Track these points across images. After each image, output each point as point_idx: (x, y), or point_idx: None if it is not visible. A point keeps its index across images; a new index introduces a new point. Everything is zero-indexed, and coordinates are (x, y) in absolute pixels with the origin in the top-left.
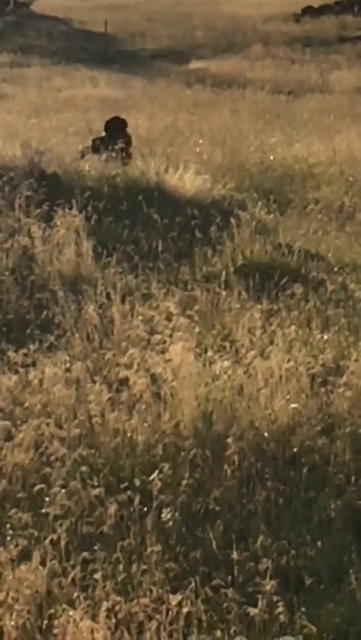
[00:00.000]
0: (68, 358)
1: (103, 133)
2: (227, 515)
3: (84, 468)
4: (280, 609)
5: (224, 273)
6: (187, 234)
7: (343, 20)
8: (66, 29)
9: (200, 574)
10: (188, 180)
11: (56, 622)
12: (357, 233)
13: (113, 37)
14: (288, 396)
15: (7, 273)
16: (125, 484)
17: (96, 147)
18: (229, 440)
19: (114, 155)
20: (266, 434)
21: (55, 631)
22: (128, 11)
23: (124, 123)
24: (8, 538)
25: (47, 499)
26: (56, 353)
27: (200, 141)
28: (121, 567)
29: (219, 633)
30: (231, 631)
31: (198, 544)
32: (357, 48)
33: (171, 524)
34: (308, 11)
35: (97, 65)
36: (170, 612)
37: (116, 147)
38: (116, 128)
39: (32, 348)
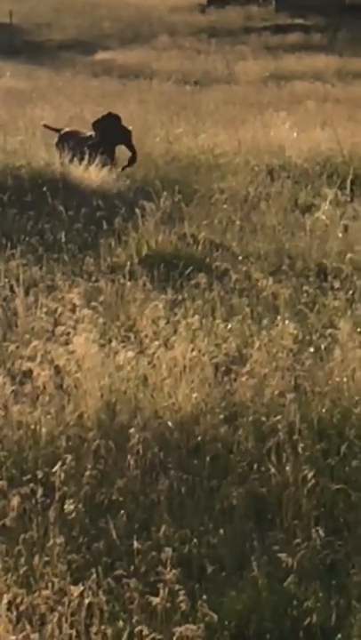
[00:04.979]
0: None
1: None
2: (130, 505)
3: None
4: (181, 597)
5: (129, 264)
6: (92, 225)
7: (248, 10)
8: None
9: (102, 565)
10: (93, 171)
11: None
12: (262, 222)
13: (18, 28)
14: (192, 386)
15: None
16: (28, 476)
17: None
18: (133, 430)
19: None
20: (170, 423)
21: None
22: (34, 1)
23: (117, 119)
24: None
25: None
26: None
27: None
28: (23, 560)
29: (121, 623)
30: (133, 621)
31: (101, 535)
32: (263, 39)
33: (74, 515)
34: (213, 1)
35: (2, 56)
36: (72, 604)
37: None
38: (110, 127)
39: None
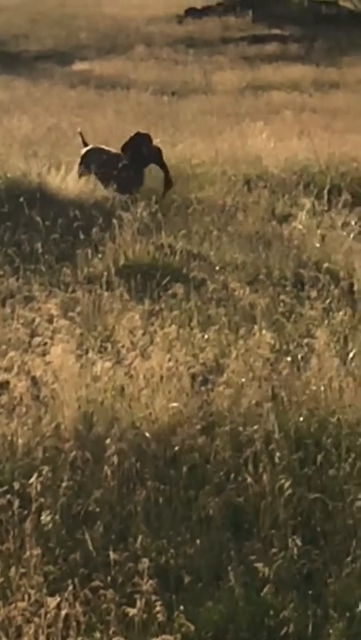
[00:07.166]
0: None
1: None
2: (107, 516)
3: None
4: (158, 608)
5: (106, 274)
6: (69, 235)
7: (226, 21)
8: None
9: (79, 576)
10: (70, 182)
11: None
12: (239, 232)
13: None
14: (169, 396)
15: None
16: (5, 487)
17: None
18: (109, 441)
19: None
20: (147, 434)
21: None
22: (11, 12)
23: (147, 138)
24: None
25: None
26: None
27: None
28: None
29: (98, 634)
30: (110, 632)
31: (78, 546)
32: (240, 49)
33: (50, 526)
34: (190, 12)
35: None
36: (48, 615)
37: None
38: (138, 148)
39: None
